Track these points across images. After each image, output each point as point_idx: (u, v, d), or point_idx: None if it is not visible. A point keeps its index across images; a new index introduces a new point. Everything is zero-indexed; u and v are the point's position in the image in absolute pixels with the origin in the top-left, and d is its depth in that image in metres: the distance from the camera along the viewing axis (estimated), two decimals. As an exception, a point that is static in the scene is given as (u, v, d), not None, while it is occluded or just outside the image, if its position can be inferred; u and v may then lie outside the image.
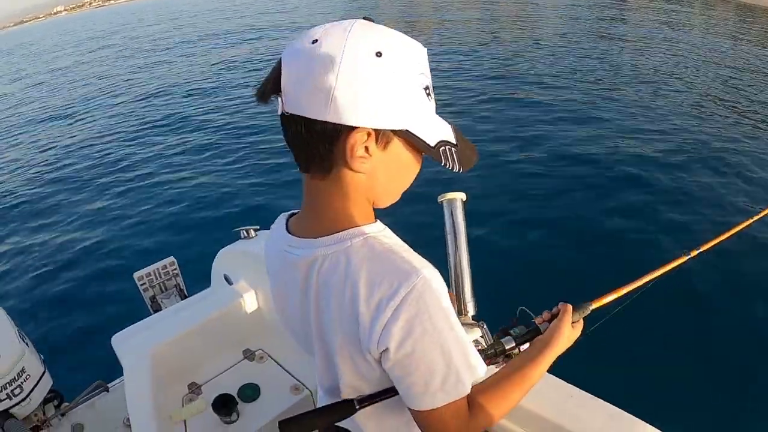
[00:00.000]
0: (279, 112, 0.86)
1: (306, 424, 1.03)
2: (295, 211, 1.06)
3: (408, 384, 0.90)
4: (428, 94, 0.90)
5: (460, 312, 1.46)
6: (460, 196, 1.48)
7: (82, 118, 13.04)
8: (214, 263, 2.67)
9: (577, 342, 1.25)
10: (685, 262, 1.69)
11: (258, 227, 2.51)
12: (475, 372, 0.93)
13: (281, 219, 1.06)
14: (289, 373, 2.34)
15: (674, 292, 4.57)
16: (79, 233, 6.73)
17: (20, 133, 13.04)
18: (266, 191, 7.45)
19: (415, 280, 0.83)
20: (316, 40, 0.83)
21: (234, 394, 2.18)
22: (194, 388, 2.29)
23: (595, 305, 1.34)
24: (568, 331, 1.21)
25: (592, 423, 1.48)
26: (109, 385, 2.62)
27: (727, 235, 1.91)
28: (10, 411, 2.30)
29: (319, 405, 1.27)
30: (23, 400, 2.30)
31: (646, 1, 25.83)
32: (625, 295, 1.45)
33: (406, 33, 0.96)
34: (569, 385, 1.65)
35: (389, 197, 1.00)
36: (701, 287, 5.26)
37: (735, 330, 4.89)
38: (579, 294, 1.39)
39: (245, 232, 2.47)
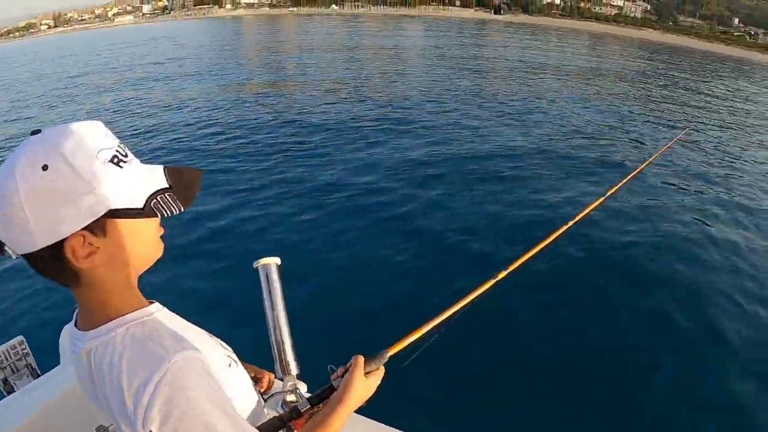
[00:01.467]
0: (14, 258, 0.94)
1: None
2: None
3: None
4: (118, 162, 0.95)
5: (284, 372, 1.55)
6: (274, 261, 1.61)
7: None
8: (60, 339, 2.65)
9: (379, 389, 1.31)
10: (492, 286, 1.77)
11: None
12: None
13: (75, 312, 1.12)
14: None
15: (484, 316, 4.85)
16: None
17: None
18: None
19: (167, 366, 0.91)
20: None
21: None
22: (49, 470, 2.28)
23: (392, 351, 1.38)
24: (360, 383, 1.24)
25: None
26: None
27: (532, 252, 2.04)
28: None
29: None
30: None
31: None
32: (428, 333, 1.49)
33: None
34: (389, 428, 1.80)
35: (146, 258, 1.07)
36: (509, 307, 5.69)
37: (545, 346, 5.42)
38: (387, 340, 1.44)
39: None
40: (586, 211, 2.67)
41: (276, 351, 1.57)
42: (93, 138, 0.94)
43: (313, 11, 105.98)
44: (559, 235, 2.32)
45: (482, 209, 8.78)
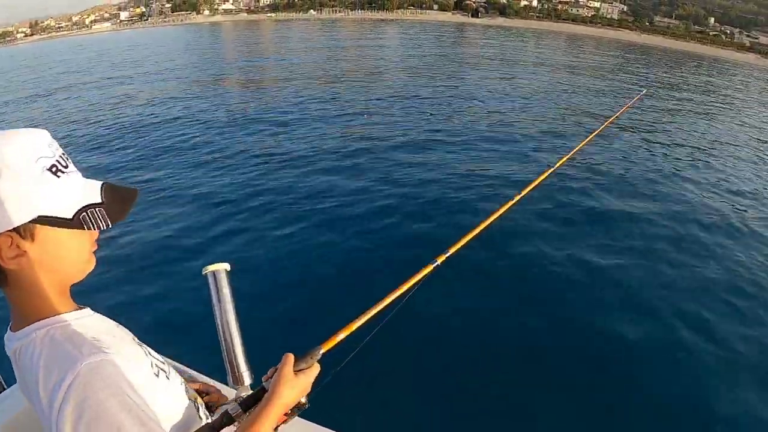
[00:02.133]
0: None
1: None
2: None
3: None
4: (56, 171, 0.99)
5: (237, 381, 1.47)
6: (224, 267, 1.52)
7: None
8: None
9: (315, 386, 1.29)
10: (432, 271, 1.75)
11: None
12: None
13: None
14: None
15: (426, 305, 5.14)
16: None
17: None
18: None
19: (79, 368, 0.93)
20: None
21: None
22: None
23: (325, 348, 1.36)
24: (287, 382, 1.23)
25: None
26: None
27: (471, 234, 2.01)
28: None
29: None
30: None
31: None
32: (364, 324, 1.47)
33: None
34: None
35: (75, 273, 1.10)
36: (449, 294, 5.80)
37: (488, 336, 5.45)
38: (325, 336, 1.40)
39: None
40: (533, 185, 2.65)
41: (227, 361, 1.47)
42: (34, 145, 0.97)
43: (291, 17, 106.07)
44: (503, 212, 2.28)
45: (419, 192, 9.09)
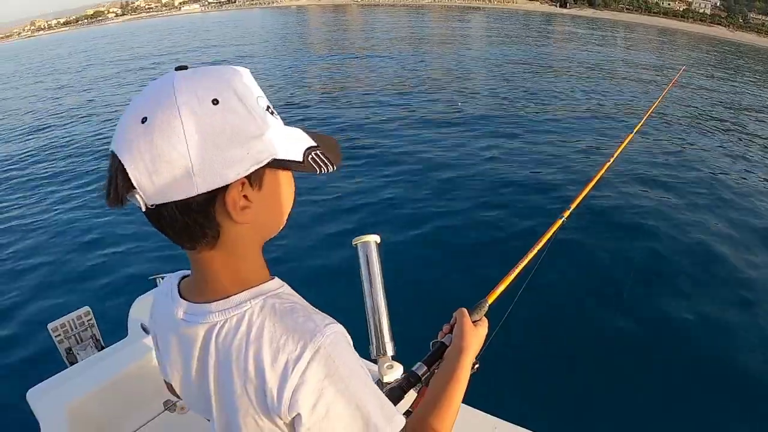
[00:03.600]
0: (142, 209, 0.79)
1: None
2: (186, 273, 0.98)
3: None
4: (272, 112, 0.86)
5: (380, 353, 1.45)
6: (374, 239, 1.49)
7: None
8: (130, 312, 2.58)
9: (489, 340, 1.25)
10: (561, 225, 1.74)
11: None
12: (396, 425, 0.87)
13: (171, 281, 0.98)
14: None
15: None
16: None
17: None
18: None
19: (320, 340, 0.80)
20: (145, 118, 0.75)
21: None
22: (113, 445, 2.18)
23: (490, 300, 1.34)
24: (471, 331, 1.19)
25: None
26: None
27: (588, 187, 2.01)
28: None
29: None
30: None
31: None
32: (516, 278, 1.46)
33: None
34: (492, 417, 1.66)
35: (278, 226, 0.95)
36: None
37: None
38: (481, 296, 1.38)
39: (160, 280, 2.39)
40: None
41: (373, 331, 1.46)
42: (252, 83, 0.85)
43: (378, 1, 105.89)
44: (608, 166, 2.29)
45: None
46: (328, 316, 0.87)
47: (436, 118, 12.85)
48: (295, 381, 0.79)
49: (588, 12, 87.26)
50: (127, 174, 0.75)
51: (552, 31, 47.38)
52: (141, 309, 2.55)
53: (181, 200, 0.77)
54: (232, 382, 0.85)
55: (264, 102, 0.84)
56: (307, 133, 0.92)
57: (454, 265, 6.19)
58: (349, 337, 0.87)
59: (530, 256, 1.54)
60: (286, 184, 0.90)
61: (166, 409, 2.33)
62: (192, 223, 0.80)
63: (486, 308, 1.31)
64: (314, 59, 25.65)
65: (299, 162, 0.86)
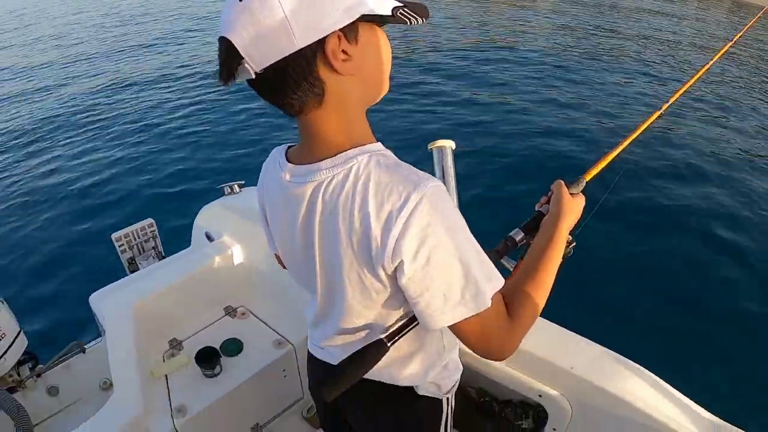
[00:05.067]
0: (252, 76, 0.83)
1: (344, 378, 0.98)
2: (291, 144, 1.04)
3: (426, 301, 0.87)
4: None
5: None
6: (449, 144, 1.48)
7: (61, 73, 12.24)
8: (196, 220, 2.61)
9: (584, 220, 1.23)
10: (658, 117, 1.72)
11: (243, 182, 2.48)
12: (496, 285, 0.89)
13: (278, 151, 1.04)
14: (272, 329, 2.31)
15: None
16: (54, 192, 6.48)
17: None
18: (250, 145, 7.37)
19: (424, 190, 0.82)
20: None
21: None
22: (175, 344, 2.24)
23: (587, 177, 1.32)
24: (569, 199, 1.18)
25: (585, 362, 1.49)
26: (86, 347, 2.55)
27: (689, 83, 1.95)
28: (-18, 372, 2.17)
29: (315, 349, 1.27)
30: (-3, 359, 2.19)
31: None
32: (612, 161, 1.44)
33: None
34: (560, 327, 1.65)
35: (382, 87, 0.98)
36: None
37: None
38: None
39: (229, 189, 2.43)
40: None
41: None
42: None
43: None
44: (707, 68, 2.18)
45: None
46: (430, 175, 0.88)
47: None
48: (399, 228, 0.82)
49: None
50: (234, 48, 0.81)
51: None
52: (207, 217, 2.58)
53: (283, 59, 0.81)
54: (337, 235, 0.89)
55: None
56: None
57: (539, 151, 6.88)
58: (450, 197, 0.88)
59: (630, 140, 1.53)
60: (382, 39, 0.92)
61: (226, 314, 2.40)
62: (298, 79, 0.84)
63: (583, 184, 1.29)
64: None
65: (389, 15, 0.87)
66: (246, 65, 0.82)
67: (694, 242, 5.14)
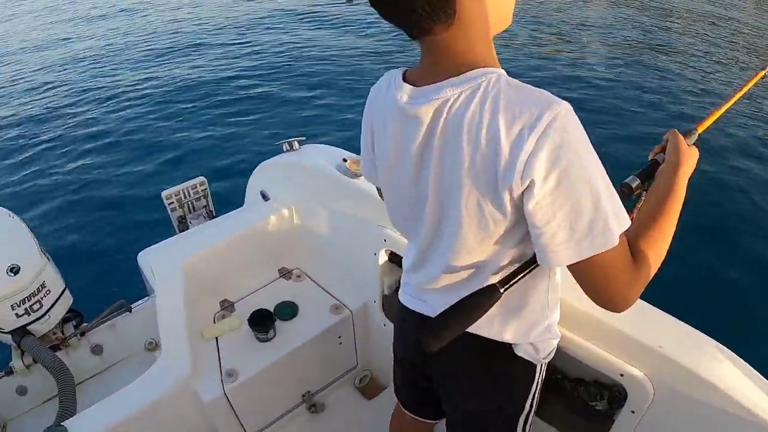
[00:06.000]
0: None
1: (452, 326, 0.90)
2: (407, 69, 0.98)
3: (552, 231, 0.81)
4: None
5: None
6: None
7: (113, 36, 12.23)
8: (251, 178, 2.49)
9: (697, 170, 1.13)
10: (763, 76, 1.60)
11: (304, 138, 2.33)
12: (623, 223, 0.82)
13: (392, 73, 0.99)
14: (329, 293, 2.19)
15: None
16: (105, 149, 6.40)
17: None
18: (309, 103, 7.22)
19: (557, 109, 0.77)
20: None
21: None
22: (227, 306, 2.13)
23: (700, 129, 1.25)
24: (687, 148, 1.09)
25: (674, 342, 1.32)
26: (132, 306, 2.45)
27: None
28: (28, 328, 2.09)
29: (409, 300, 1.20)
30: (42, 316, 2.09)
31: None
32: (722, 115, 1.35)
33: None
34: (641, 300, 1.49)
35: (509, 17, 0.94)
36: None
37: None
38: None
39: (287, 145, 2.29)
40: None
41: None
42: None
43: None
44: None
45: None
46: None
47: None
48: (530, 147, 0.77)
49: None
50: None
51: None
52: (263, 175, 2.45)
53: None
54: (459, 156, 0.85)
55: None
56: None
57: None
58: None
59: (739, 95, 1.41)
60: None
61: (281, 276, 2.28)
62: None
63: (696, 136, 1.22)
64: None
65: None
66: None
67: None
